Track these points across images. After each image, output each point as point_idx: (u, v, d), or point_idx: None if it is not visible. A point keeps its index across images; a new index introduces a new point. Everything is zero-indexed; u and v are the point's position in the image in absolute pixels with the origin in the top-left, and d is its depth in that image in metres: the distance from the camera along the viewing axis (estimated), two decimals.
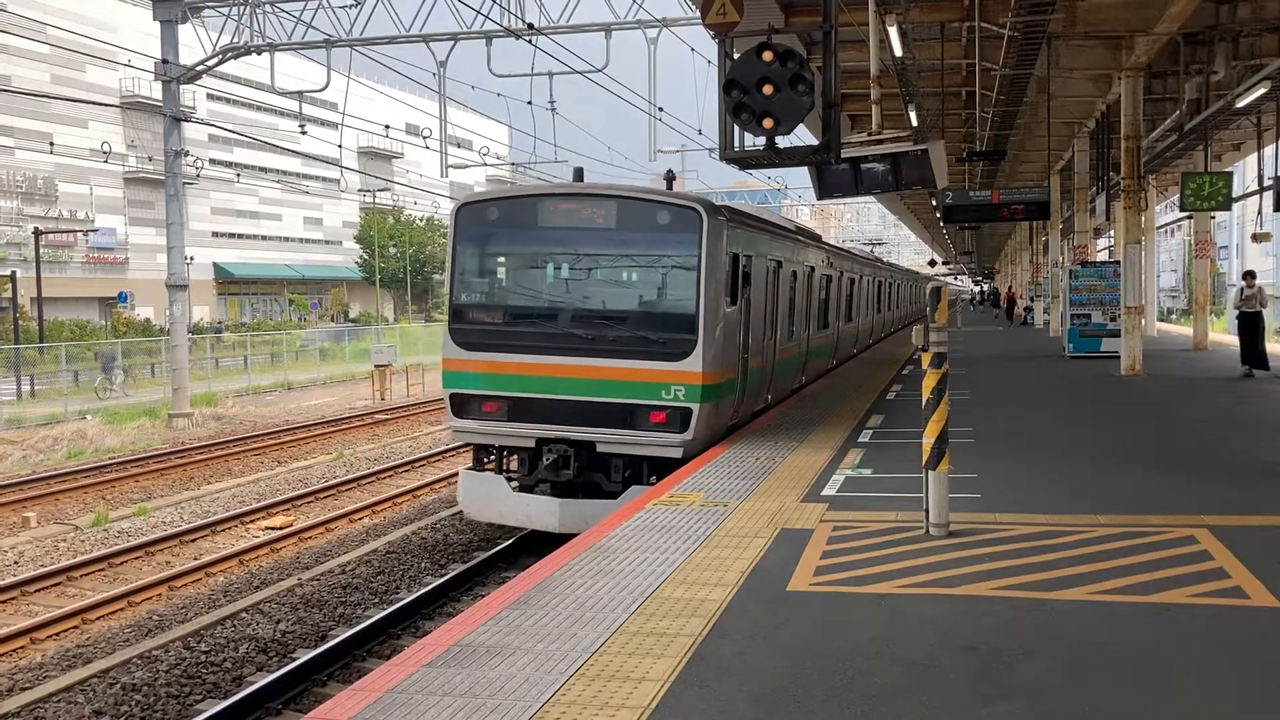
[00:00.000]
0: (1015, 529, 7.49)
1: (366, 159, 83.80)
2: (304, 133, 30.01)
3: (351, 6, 25.86)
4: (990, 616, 5.65)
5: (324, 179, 76.24)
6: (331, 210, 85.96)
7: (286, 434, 24.53)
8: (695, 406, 11.01)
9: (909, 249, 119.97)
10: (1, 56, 53.95)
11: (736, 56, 9.41)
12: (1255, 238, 29.50)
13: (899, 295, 39.16)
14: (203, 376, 37.02)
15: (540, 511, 11.48)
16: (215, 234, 74.21)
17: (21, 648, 10.31)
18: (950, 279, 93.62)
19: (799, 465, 10.26)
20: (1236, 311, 19.48)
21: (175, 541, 14.21)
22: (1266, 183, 24.62)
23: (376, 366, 33.73)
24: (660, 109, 27.49)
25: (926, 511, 7.37)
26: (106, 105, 56.06)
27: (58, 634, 10.67)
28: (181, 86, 28.93)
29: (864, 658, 5.07)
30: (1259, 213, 27.04)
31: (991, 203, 20.88)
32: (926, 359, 7.25)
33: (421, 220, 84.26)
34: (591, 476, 11.41)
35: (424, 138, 39.86)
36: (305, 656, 8.99)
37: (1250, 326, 18.67)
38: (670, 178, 13.87)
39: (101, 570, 12.99)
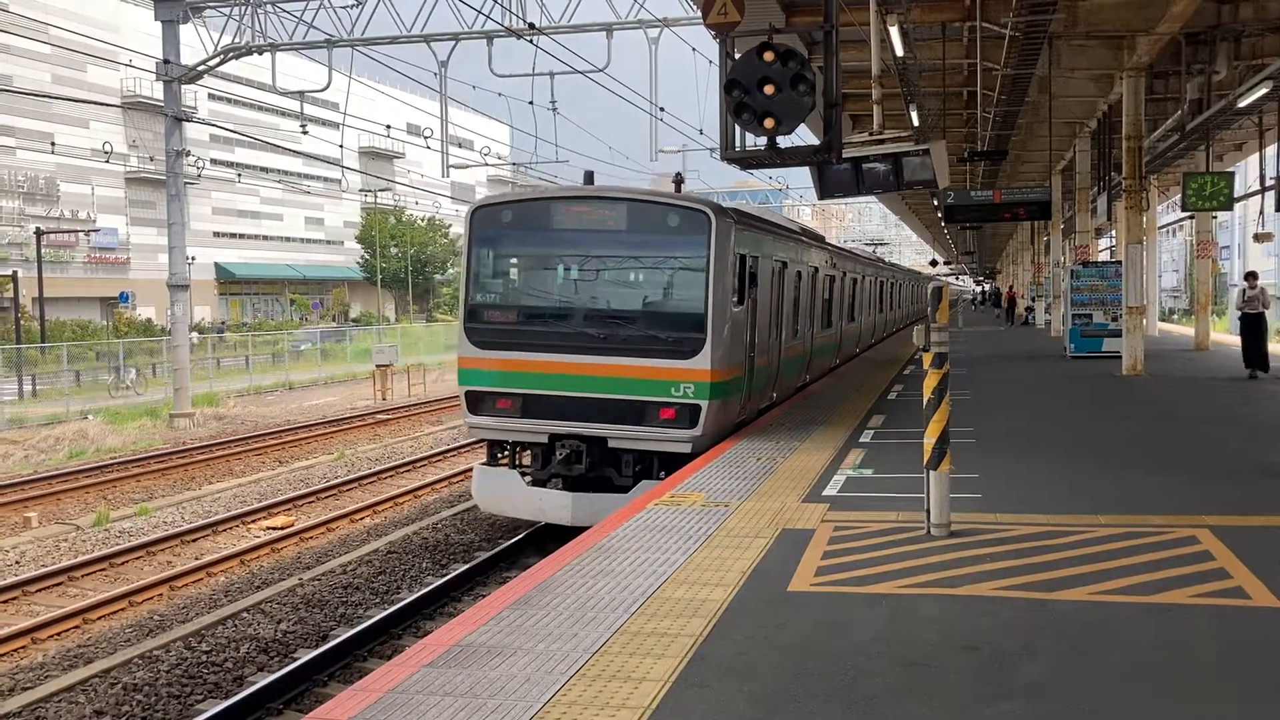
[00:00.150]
0: (1016, 529, 7.49)
1: (368, 159, 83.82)
2: (305, 133, 30.03)
3: (353, 6, 25.87)
4: (991, 616, 5.64)
5: (325, 179, 76.26)
6: (333, 210, 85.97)
7: (288, 434, 24.54)
8: (704, 403, 11.28)
9: (910, 249, 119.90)
10: (3, 56, 53.98)
11: (738, 56, 9.41)
12: (1257, 238, 29.44)
13: (901, 295, 39.25)
14: (204, 376, 37.06)
15: (553, 505, 11.78)
16: (217, 234, 74.23)
17: (23, 647, 10.32)
18: (952, 279, 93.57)
19: (800, 465, 10.26)
20: (1239, 313, 19.28)
21: (176, 541, 14.21)
22: (1268, 183, 24.60)
23: (378, 366, 33.74)
24: (661, 109, 27.52)
25: (928, 511, 7.36)
26: (108, 105, 56.07)
27: (59, 634, 10.68)
28: (183, 86, 28.93)
29: (865, 658, 5.07)
30: (1260, 213, 27.00)
31: (993, 203, 20.88)
32: (928, 359, 7.25)
33: (423, 220, 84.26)
34: (603, 471, 11.71)
35: (425, 138, 39.90)
36: (306, 656, 8.99)
37: (1253, 328, 18.47)
38: (679, 181, 14.10)
39: (103, 570, 12.99)
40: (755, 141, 9.75)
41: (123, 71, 56.42)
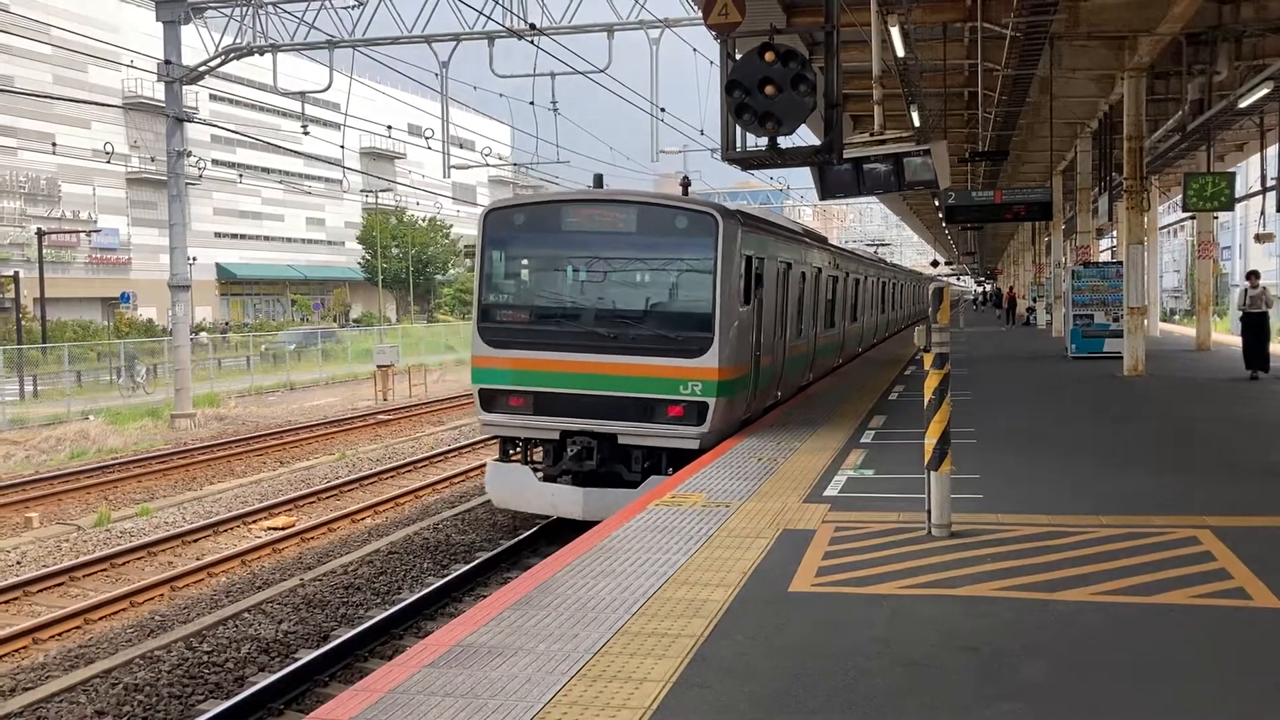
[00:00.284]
0: (1017, 529, 7.49)
1: (369, 159, 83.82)
2: (306, 133, 30.07)
3: (354, 7, 25.89)
4: (992, 617, 5.64)
5: (326, 179, 76.29)
6: (334, 211, 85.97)
7: (289, 434, 24.55)
8: (711, 401, 11.57)
9: (911, 249, 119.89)
10: (4, 57, 53.98)
11: (739, 57, 9.41)
12: (1258, 238, 29.40)
13: (902, 295, 39.32)
14: (205, 377, 37.06)
15: (565, 500, 12.10)
16: (218, 234, 74.21)
17: (24, 648, 10.32)
18: (953, 279, 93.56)
19: (801, 466, 10.26)
20: (1240, 313, 19.10)
21: (177, 542, 14.22)
22: (1269, 183, 24.59)
23: (379, 367, 33.76)
24: (662, 109, 27.54)
25: (928, 512, 7.36)
26: (109, 106, 56.10)
27: (60, 634, 10.69)
28: (184, 87, 28.94)
29: (865, 658, 5.07)
30: (1262, 213, 26.99)
31: (994, 203, 20.87)
32: (929, 359, 7.25)
33: (424, 221, 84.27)
34: (613, 467, 12.00)
35: (426, 138, 39.90)
36: (307, 657, 9.00)
37: (1255, 328, 18.28)
38: (686, 184, 14.53)
39: (104, 570, 13.00)
40: (756, 142, 9.77)
41: (124, 72, 56.45)
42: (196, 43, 27.80)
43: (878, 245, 77.92)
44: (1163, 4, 15.79)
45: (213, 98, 59.15)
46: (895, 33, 13.90)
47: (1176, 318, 58.47)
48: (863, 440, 11.91)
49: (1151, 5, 16.33)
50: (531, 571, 6.84)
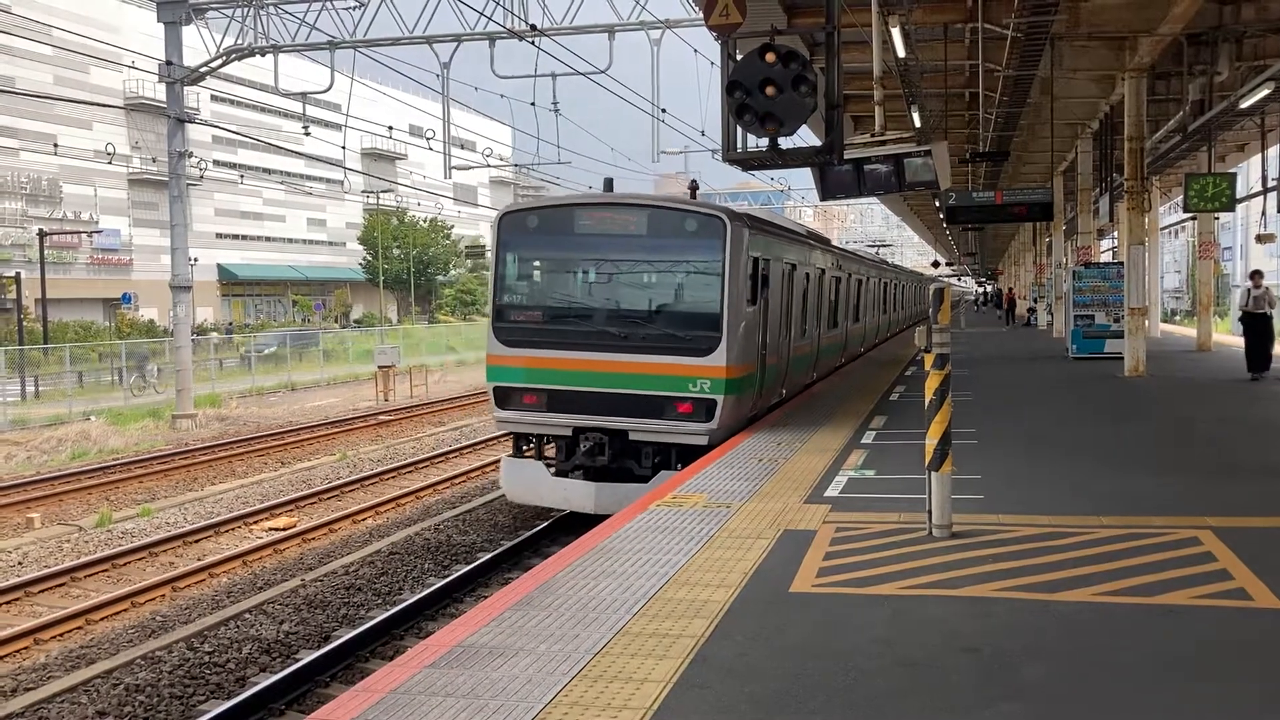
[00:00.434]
0: (1018, 530, 7.49)
1: (370, 160, 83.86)
2: (307, 134, 30.04)
3: (355, 8, 25.91)
4: (993, 617, 5.65)
5: (327, 180, 76.28)
6: (335, 211, 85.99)
7: (290, 435, 24.56)
8: (720, 398, 11.90)
9: (912, 250, 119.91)
10: (5, 58, 54.01)
11: (739, 58, 9.41)
12: (1259, 239, 29.41)
13: (904, 296, 39.38)
14: (206, 377, 37.07)
15: (578, 495, 12.49)
16: (219, 235, 74.23)
17: (25, 648, 10.33)
18: (954, 280, 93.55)
19: (802, 466, 10.27)
20: (1241, 313, 18.96)
21: (179, 542, 14.23)
22: (1270, 184, 24.59)
23: (380, 368, 33.76)
24: (663, 110, 27.54)
25: (929, 513, 7.36)
26: (110, 107, 56.12)
27: (61, 634, 10.69)
28: (185, 88, 28.96)
29: (866, 659, 5.07)
30: (1263, 214, 27.01)
31: (995, 204, 20.89)
32: (929, 360, 7.25)
33: (425, 221, 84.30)
34: (624, 462, 12.35)
35: (427, 139, 39.97)
36: (308, 657, 9.00)
37: (1257, 329, 18.14)
38: (694, 187, 14.90)
39: (105, 571, 13.00)
40: (757, 143, 9.78)
41: (125, 73, 56.47)
42: (198, 43, 27.80)
43: (879, 246, 77.90)
44: (1163, 4, 15.78)
45: (214, 98, 59.15)
46: (896, 33, 13.92)
47: (1177, 318, 58.46)
48: (864, 441, 11.92)
49: (1152, 6, 16.32)
50: (532, 572, 6.85)
